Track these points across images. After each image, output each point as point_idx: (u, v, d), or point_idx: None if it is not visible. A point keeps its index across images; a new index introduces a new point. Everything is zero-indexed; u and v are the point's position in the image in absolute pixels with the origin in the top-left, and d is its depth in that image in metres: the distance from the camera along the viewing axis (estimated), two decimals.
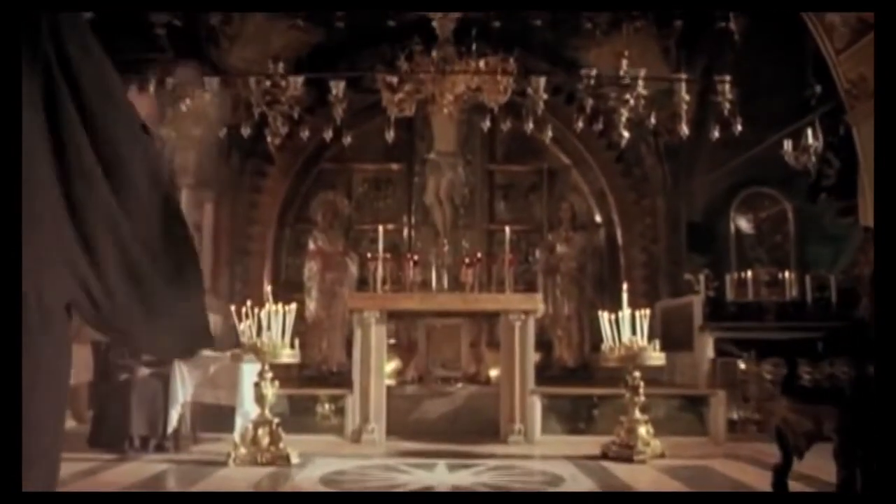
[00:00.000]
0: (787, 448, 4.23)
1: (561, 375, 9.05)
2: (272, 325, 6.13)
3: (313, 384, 8.27)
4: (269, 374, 6.10)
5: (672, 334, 8.18)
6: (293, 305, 6.29)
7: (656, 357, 6.57)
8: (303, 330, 8.77)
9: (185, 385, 6.59)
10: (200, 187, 9.00)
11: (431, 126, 9.82)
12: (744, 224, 9.00)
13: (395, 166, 10.43)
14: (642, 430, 6.48)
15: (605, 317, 6.71)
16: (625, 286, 6.87)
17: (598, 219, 10.37)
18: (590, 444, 6.71)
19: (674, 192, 9.41)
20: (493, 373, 8.40)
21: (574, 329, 9.44)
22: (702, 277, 8.47)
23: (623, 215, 10.07)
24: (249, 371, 6.34)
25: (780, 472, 4.28)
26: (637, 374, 6.56)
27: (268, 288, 6.23)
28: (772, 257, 8.98)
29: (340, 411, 7.37)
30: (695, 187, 9.27)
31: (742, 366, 8.06)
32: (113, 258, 1.52)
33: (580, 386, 8.17)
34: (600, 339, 9.80)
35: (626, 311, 6.63)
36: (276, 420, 6.10)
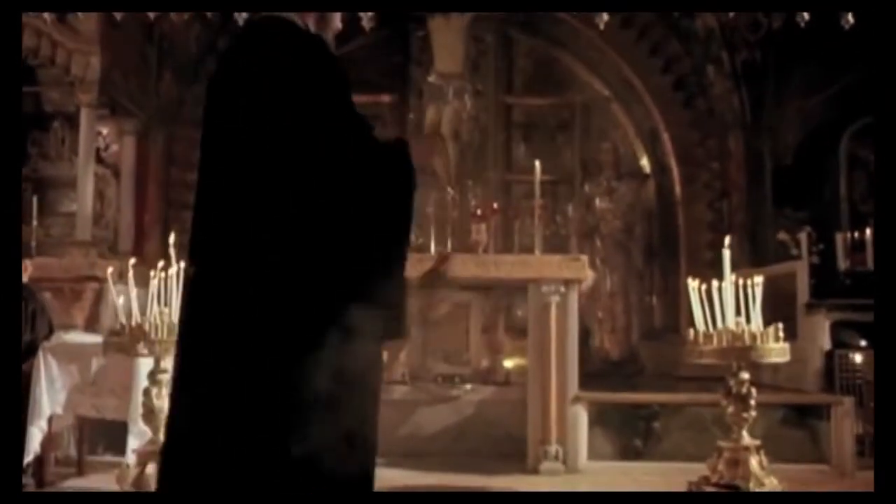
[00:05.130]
0: None
1: (603, 371, 7.02)
2: (173, 295, 3.89)
3: None
4: (168, 376, 3.84)
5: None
6: None
7: (778, 350, 4.27)
8: None
9: (53, 389, 4.59)
10: (119, 115, 6.70)
11: (431, 43, 7.67)
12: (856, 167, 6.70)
13: (385, 98, 8.29)
14: (754, 463, 4.22)
15: (693, 286, 4.43)
16: (727, 240, 4.57)
17: (646, 167, 8.10)
18: (662, 475, 4.82)
19: (754, 128, 7.13)
20: (510, 364, 6.36)
21: (619, 309, 7.25)
22: (802, 238, 6.17)
23: (683, 161, 7.84)
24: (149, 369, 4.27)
25: None
26: (745, 375, 4.29)
27: (172, 238, 3.92)
28: None
29: None
30: (784, 120, 6.95)
31: (859, 359, 5.86)
32: None
33: (629, 387, 6.26)
34: (651, 323, 7.84)
35: (728, 281, 4.33)
36: None
